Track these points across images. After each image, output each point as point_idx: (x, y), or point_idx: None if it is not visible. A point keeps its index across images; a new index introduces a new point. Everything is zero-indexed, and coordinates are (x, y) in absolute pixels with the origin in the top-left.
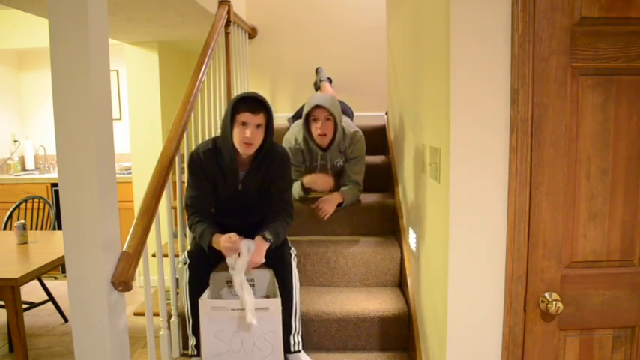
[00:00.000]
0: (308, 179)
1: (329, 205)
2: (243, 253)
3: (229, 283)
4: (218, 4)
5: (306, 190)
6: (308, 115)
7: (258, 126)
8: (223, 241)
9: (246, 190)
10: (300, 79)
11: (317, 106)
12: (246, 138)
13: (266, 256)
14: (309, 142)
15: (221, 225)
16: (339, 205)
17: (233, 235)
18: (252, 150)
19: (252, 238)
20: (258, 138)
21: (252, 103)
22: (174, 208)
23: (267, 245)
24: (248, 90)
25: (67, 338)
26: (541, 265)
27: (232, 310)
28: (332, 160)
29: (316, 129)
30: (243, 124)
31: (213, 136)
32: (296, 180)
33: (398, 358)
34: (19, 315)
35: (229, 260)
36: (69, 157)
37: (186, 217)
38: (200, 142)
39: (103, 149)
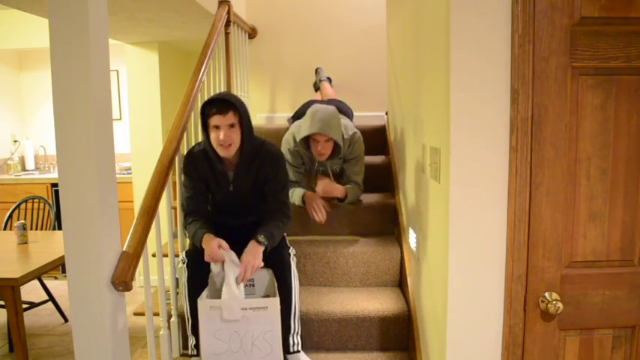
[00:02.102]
0: (319, 191)
1: (332, 188)
2: (227, 269)
3: None
4: (218, 4)
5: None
6: (308, 135)
7: (231, 125)
8: (208, 249)
9: (238, 190)
10: (300, 79)
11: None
12: (221, 140)
13: (265, 257)
14: (307, 152)
15: (220, 225)
16: (340, 200)
17: (216, 250)
18: (232, 150)
19: (252, 237)
20: (234, 137)
21: (219, 104)
22: (174, 208)
23: (261, 248)
24: (248, 91)
25: (67, 338)
26: (541, 265)
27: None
28: (331, 165)
29: (315, 149)
30: (216, 127)
31: None
32: (296, 181)
33: (398, 358)
34: (19, 315)
35: (213, 268)
36: (69, 157)
37: (183, 217)
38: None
39: (103, 149)
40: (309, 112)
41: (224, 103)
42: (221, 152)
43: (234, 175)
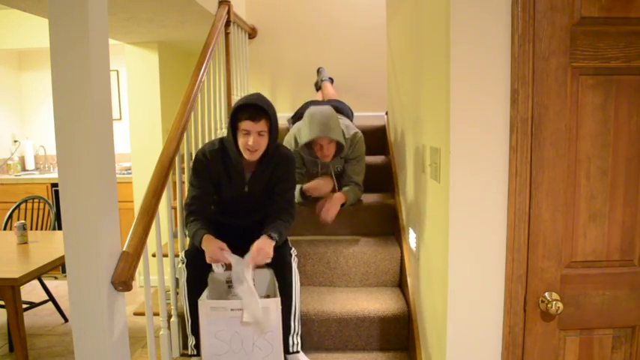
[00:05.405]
0: (308, 186)
1: (333, 207)
2: (239, 271)
3: (229, 283)
4: (218, 4)
5: (306, 197)
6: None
7: (260, 132)
8: (209, 252)
9: (252, 191)
10: (300, 79)
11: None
12: (249, 146)
13: None
14: (311, 156)
15: (222, 225)
16: (342, 205)
17: (219, 253)
18: (257, 156)
19: (254, 237)
20: (262, 144)
21: (253, 110)
22: (174, 208)
23: (273, 243)
24: (248, 91)
25: (67, 338)
26: (541, 265)
27: (232, 310)
28: (333, 165)
29: (321, 152)
30: (246, 131)
31: (212, 136)
32: (297, 181)
33: (398, 358)
34: (19, 315)
35: (215, 268)
36: (69, 157)
37: (185, 215)
38: (200, 142)
39: (103, 149)
40: (306, 116)
41: (258, 110)
42: (247, 156)
43: (252, 176)
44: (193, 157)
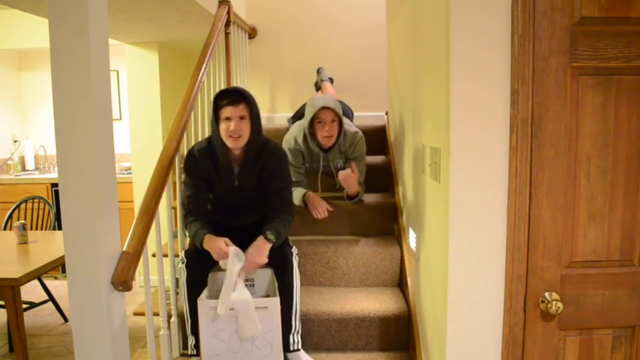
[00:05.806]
0: (310, 199)
1: (353, 181)
2: (230, 263)
3: None
4: (218, 4)
5: (307, 205)
6: (313, 118)
7: (241, 117)
8: (215, 248)
9: (243, 186)
10: (300, 79)
11: (323, 108)
12: (231, 131)
13: (268, 255)
14: (310, 144)
15: (221, 225)
16: (351, 198)
17: (223, 246)
18: (241, 142)
19: (253, 238)
20: (244, 129)
21: (231, 96)
22: (174, 208)
23: (269, 246)
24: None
25: (67, 338)
26: (541, 265)
27: (231, 309)
28: (333, 161)
29: (323, 131)
30: (227, 118)
31: None
32: (297, 181)
33: (398, 358)
34: (19, 315)
35: (222, 266)
36: (69, 157)
37: (184, 216)
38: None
39: (103, 149)
40: (308, 101)
41: (236, 95)
42: (230, 144)
43: (240, 170)
44: (184, 158)
